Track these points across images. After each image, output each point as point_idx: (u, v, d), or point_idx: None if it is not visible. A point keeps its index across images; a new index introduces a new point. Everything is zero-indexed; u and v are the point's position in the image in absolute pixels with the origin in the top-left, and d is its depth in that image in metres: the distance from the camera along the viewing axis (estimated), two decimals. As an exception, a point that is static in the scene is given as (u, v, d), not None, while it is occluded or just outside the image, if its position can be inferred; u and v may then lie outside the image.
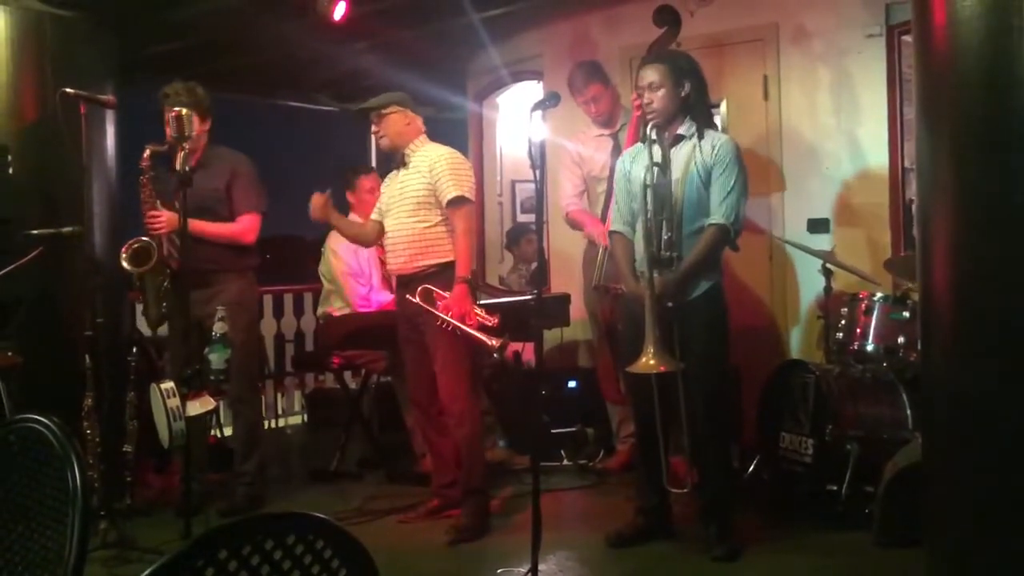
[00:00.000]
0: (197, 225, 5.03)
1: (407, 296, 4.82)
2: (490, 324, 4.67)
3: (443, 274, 4.79)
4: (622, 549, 4.49)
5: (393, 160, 5.08)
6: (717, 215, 4.30)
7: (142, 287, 4.93)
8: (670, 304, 4.26)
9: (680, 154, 4.38)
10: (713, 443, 4.42)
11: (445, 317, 4.67)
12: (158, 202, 4.96)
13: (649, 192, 4.33)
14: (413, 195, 4.87)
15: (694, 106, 4.43)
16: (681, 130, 4.41)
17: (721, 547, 4.29)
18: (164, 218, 4.93)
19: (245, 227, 5.25)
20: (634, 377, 4.49)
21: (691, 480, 4.55)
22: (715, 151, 4.33)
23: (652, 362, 4.16)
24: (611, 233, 4.69)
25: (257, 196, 5.30)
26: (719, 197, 4.30)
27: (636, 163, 4.52)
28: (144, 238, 4.89)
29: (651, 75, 4.41)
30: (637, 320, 4.36)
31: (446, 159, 4.86)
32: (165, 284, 4.90)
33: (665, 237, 4.32)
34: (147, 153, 4.83)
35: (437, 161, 4.85)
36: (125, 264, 4.87)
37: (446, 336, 4.70)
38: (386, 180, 5.15)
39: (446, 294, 4.72)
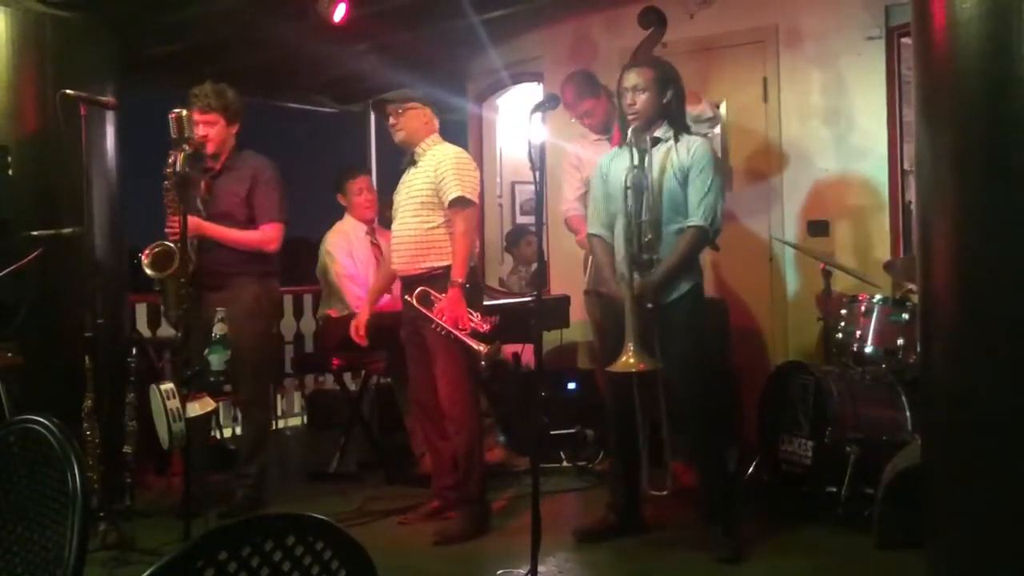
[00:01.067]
0: (220, 232, 5.07)
1: (405, 297, 4.82)
2: (483, 330, 4.65)
3: (444, 277, 4.75)
4: (619, 550, 4.50)
5: (402, 158, 5.05)
6: (695, 217, 4.34)
7: (163, 290, 4.94)
8: (649, 305, 4.28)
9: (657, 156, 4.42)
10: (705, 446, 4.43)
11: (439, 321, 4.66)
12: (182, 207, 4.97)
13: (629, 194, 4.36)
14: (418, 195, 4.85)
15: (673, 113, 4.49)
16: (658, 133, 4.47)
17: (725, 548, 4.29)
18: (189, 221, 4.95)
19: (268, 236, 5.25)
20: (612, 376, 4.52)
21: (687, 482, 4.59)
22: (691, 153, 4.38)
23: (632, 361, 4.18)
24: (589, 236, 4.72)
25: (278, 204, 5.30)
26: (697, 198, 4.34)
27: (615, 164, 4.55)
28: (166, 242, 4.89)
29: (635, 79, 4.48)
30: (619, 321, 4.38)
31: (451, 159, 4.83)
32: (186, 287, 4.92)
33: (645, 239, 4.34)
34: (172, 159, 4.80)
35: (443, 161, 4.82)
36: (148, 270, 4.87)
37: (443, 340, 4.70)
38: (399, 184, 5.10)
39: (441, 297, 4.71)
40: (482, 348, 4.57)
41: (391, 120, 4.96)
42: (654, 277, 4.30)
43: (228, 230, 5.14)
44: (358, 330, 5.24)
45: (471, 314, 4.69)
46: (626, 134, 4.52)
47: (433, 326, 4.68)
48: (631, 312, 4.21)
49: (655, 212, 4.35)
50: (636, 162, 4.36)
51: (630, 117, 4.45)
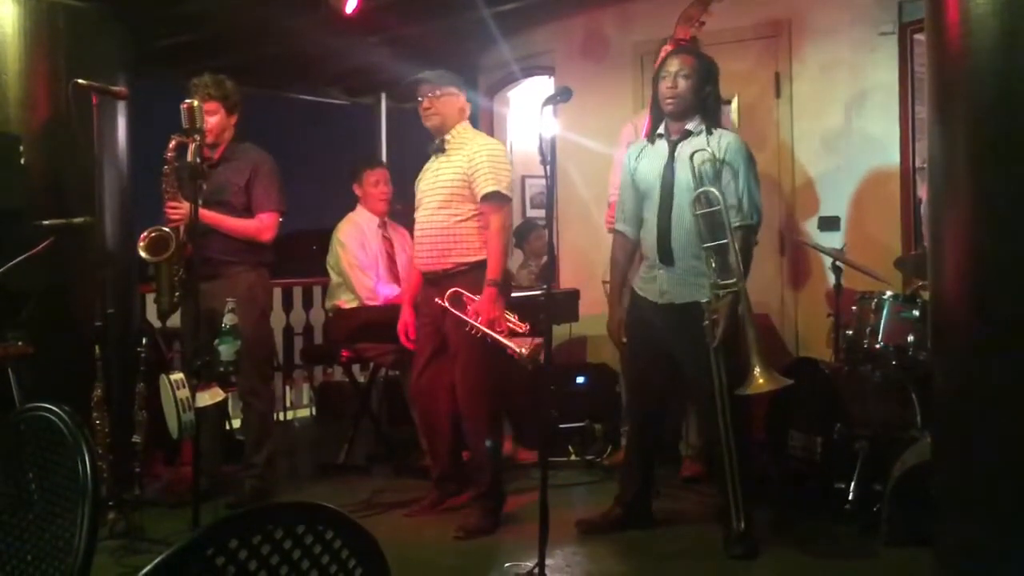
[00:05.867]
0: (216, 218, 5.08)
1: (436, 300, 4.70)
2: (521, 330, 4.59)
3: (472, 273, 4.67)
4: (628, 544, 4.50)
5: (430, 145, 4.94)
6: (743, 216, 4.29)
7: (156, 276, 4.95)
8: (715, 317, 4.23)
9: (687, 148, 4.37)
10: (735, 444, 4.39)
11: (475, 323, 4.56)
12: (179, 193, 4.98)
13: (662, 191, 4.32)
14: (447, 185, 4.73)
15: (708, 109, 4.43)
16: (690, 126, 4.41)
17: (741, 545, 4.28)
18: (184, 209, 4.95)
19: (264, 225, 5.26)
20: (636, 371, 4.62)
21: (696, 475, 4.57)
22: (724, 150, 4.32)
23: (761, 382, 4.10)
24: (614, 232, 4.70)
25: (277, 195, 5.31)
26: (739, 198, 4.29)
27: (643, 159, 4.52)
28: (163, 228, 4.91)
29: (678, 64, 4.41)
30: (645, 318, 4.45)
31: (486, 151, 4.71)
32: (180, 274, 4.93)
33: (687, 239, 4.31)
34: (173, 144, 4.82)
35: (477, 152, 4.69)
36: (142, 253, 4.88)
37: (469, 339, 4.60)
38: (423, 170, 4.99)
39: (475, 297, 4.60)
40: (524, 350, 4.48)
41: (424, 103, 4.83)
42: (739, 288, 4.20)
43: (224, 217, 5.14)
44: (408, 332, 5.04)
45: (508, 315, 4.62)
46: (657, 126, 4.50)
47: (468, 328, 4.59)
48: (750, 327, 4.14)
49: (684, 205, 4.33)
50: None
51: (668, 100, 4.38)
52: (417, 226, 4.88)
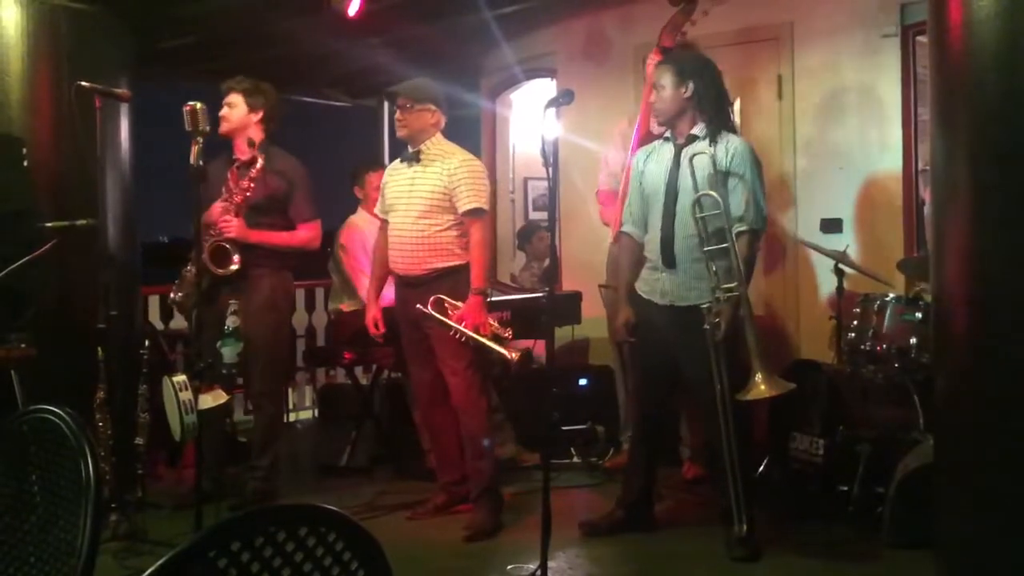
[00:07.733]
0: (266, 236, 5.13)
1: (418, 306, 4.76)
2: (505, 336, 4.65)
3: (450, 277, 4.76)
4: (630, 546, 4.51)
5: (404, 152, 5.00)
6: (747, 222, 4.30)
7: (197, 280, 4.98)
8: (716, 320, 4.23)
9: (691, 152, 4.37)
10: (736, 446, 4.40)
11: (459, 328, 4.64)
12: (232, 209, 5.01)
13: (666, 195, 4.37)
14: (426, 196, 4.81)
15: (704, 106, 4.42)
16: (695, 130, 4.41)
17: (743, 548, 4.27)
18: (235, 224, 4.98)
19: (312, 235, 5.30)
20: (640, 373, 4.65)
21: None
22: (730, 156, 4.32)
23: (763, 387, 4.12)
24: (620, 233, 4.71)
25: (315, 202, 5.34)
26: (744, 203, 4.29)
27: (651, 162, 4.52)
28: (223, 241, 4.93)
29: (656, 75, 4.50)
30: (651, 321, 4.46)
31: (467, 167, 4.81)
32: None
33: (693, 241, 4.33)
34: (238, 162, 4.76)
35: (458, 168, 4.79)
36: (210, 266, 4.89)
37: (454, 343, 4.69)
38: (389, 172, 5.08)
39: (457, 303, 4.70)
40: (514, 356, 4.55)
41: (398, 114, 4.92)
42: (740, 292, 4.21)
43: (273, 234, 5.16)
44: (377, 324, 5.08)
45: (492, 322, 4.69)
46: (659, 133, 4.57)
47: (452, 333, 4.66)
48: (752, 334, 4.16)
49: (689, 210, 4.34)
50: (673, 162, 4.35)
51: (654, 115, 4.52)
52: (394, 232, 4.93)
